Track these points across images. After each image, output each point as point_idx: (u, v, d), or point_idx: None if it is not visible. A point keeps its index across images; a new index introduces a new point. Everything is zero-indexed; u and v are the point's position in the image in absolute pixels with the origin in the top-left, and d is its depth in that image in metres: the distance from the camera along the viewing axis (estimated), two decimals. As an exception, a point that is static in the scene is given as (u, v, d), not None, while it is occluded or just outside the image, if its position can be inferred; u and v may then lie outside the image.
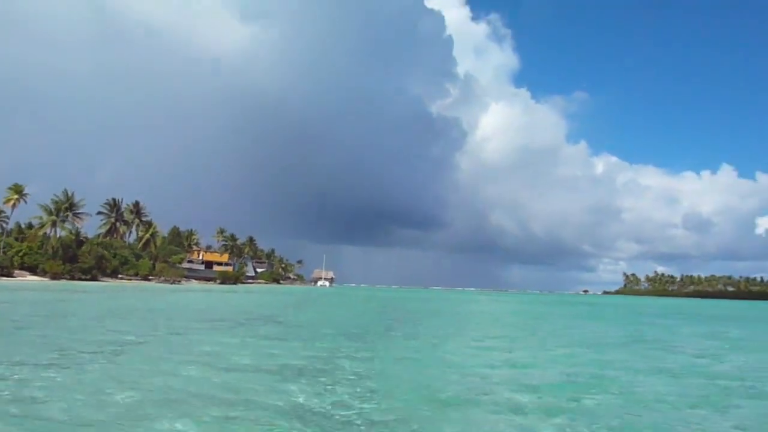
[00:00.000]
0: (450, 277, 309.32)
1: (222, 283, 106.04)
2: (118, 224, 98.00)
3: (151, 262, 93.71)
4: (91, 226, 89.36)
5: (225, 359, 11.30)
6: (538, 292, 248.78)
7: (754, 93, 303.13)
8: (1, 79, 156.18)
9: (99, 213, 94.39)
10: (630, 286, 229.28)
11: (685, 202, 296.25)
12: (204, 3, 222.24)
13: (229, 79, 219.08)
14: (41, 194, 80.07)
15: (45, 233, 77.60)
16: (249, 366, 10.62)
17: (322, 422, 6.85)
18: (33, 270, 70.87)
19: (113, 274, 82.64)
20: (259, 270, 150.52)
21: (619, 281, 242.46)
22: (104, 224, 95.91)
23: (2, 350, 11.32)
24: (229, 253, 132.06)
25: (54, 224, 76.87)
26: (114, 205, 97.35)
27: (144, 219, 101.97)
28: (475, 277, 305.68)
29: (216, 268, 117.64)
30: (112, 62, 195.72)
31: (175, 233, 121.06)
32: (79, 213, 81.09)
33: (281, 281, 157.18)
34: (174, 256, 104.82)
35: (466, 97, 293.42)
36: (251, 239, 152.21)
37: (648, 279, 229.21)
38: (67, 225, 78.66)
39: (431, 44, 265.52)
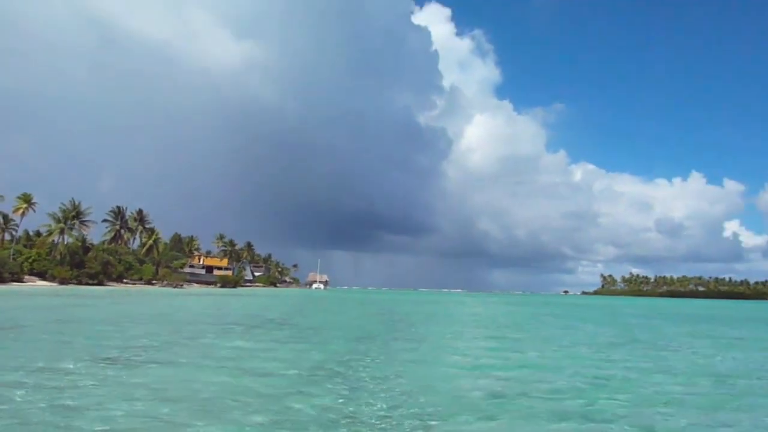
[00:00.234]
0: (437, 279, 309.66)
1: (222, 286, 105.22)
2: (122, 231, 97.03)
3: (154, 267, 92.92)
4: (96, 233, 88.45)
5: (252, 363, 10.95)
6: (521, 293, 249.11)
7: (720, 106, 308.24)
8: (5, 96, 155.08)
9: (104, 221, 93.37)
10: (607, 287, 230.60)
11: (657, 207, 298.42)
12: (201, 21, 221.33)
13: (226, 93, 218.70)
14: (46, 203, 79.16)
15: (53, 240, 76.78)
16: (278, 370, 10.27)
17: (370, 423, 6.62)
18: (42, 275, 69.83)
19: (118, 278, 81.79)
20: (256, 274, 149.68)
21: (596, 282, 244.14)
22: (109, 231, 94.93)
23: (28, 356, 10.91)
24: (229, 258, 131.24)
25: (62, 232, 75.91)
26: (119, 213, 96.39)
27: (147, 226, 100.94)
28: (461, 280, 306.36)
29: (216, 272, 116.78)
30: (113, 77, 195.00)
31: (177, 239, 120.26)
32: (85, 221, 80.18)
33: (278, 284, 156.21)
34: (176, 261, 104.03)
35: (452, 109, 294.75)
36: (249, 244, 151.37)
37: (624, 280, 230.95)
38: (74, 232, 77.76)
39: (418, 58, 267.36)
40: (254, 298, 58.09)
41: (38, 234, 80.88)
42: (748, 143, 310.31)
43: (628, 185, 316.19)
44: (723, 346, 18.29)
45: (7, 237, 77.03)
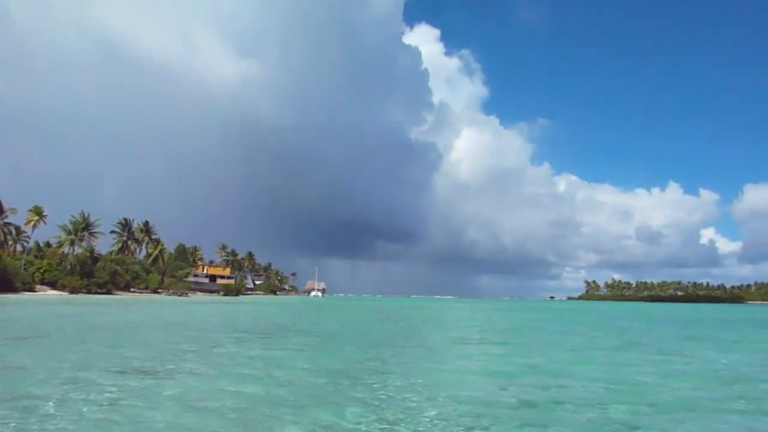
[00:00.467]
0: (429, 285, 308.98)
1: (225, 294, 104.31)
2: (129, 242, 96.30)
3: (160, 276, 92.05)
4: (104, 244, 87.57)
5: (276, 372, 10.53)
6: (509, 298, 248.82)
7: (696, 121, 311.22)
8: (15, 112, 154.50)
9: (112, 232, 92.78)
10: (591, 292, 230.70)
11: (637, 216, 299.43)
12: (203, 40, 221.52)
13: (227, 108, 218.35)
14: (55, 215, 78.37)
15: (63, 251, 76.02)
16: (303, 378, 9.90)
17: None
18: (53, 285, 68.96)
19: (126, 287, 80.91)
20: (257, 282, 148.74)
21: (580, 288, 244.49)
22: (117, 242, 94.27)
23: (54, 366, 10.48)
24: (231, 267, 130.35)
25: (72, 243, 75.19)
26: (126, 225, 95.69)
27: (153, 237, 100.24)
28: (451, 286, 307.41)
29: (219, 281, 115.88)
30: (118, 93, 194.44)
31: (181, 249, 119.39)
32: (94, 232, 79.44)
33: (277, 292, 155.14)
34: (180, 271, 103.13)
35: (442, 124, 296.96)
36: (250, 254, 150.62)
37: (607, 285, 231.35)
38: (84, 243, 77.04)
39: (409, 76, 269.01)
40: (258, 306, 57.49)
41: (48, 245, 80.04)
42: (723, 155, 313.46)
43: (609, 195, 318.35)
44: (723, 349, 18.03)
45: (19, 248, 76.22)
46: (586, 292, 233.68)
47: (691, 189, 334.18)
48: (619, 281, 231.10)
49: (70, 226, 75.55)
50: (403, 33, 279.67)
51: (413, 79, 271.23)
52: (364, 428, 6.56)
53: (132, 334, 18.58)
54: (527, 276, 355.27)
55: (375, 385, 9.26)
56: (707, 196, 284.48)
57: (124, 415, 6.85)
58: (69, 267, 72.49)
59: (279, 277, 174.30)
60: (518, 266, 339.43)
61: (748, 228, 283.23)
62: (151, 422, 6.61)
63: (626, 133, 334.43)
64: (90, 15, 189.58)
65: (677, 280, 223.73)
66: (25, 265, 68.27)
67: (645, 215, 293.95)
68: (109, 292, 73.80)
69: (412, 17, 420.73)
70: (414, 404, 7.85)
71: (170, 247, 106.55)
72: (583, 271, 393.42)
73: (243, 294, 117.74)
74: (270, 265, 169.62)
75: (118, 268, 79.65)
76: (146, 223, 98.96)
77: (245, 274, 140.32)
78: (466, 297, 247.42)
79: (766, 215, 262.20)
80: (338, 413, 7.25)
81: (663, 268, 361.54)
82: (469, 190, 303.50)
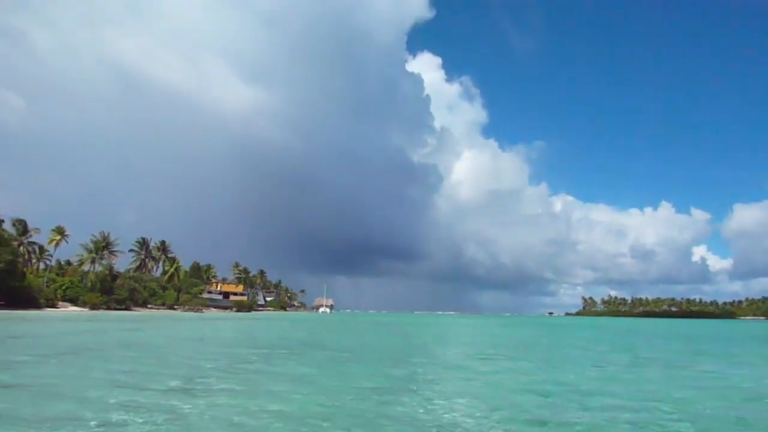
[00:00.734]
0: (431, 302, 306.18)
1: (238, 310, 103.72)
2: (147, 260, 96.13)
3: (176, 293, 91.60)
4: (122, 261, 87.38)
5: (311, 389, 10.10)
6: (509, 314, 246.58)
7: (687, 142, 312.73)
8: (40, 138, 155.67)
9: (131, 250, 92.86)
10: (588, 308, 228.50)
11: (631, 234, 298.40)
12: (215, 69, 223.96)
13: (238, 134, 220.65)
14: (76, 235, 78.36)
15: (84, 269, 75.92)
16: (340, 395, 9.44)
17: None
18: (74, 301, 68.54)
19: (143, 304, 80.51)
20: (268, 299, 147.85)
21: (577, 304, 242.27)
22: (135, 260, 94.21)
23: (97, 386, 10.16)
24: (243, 284, 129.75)
25: (93, 261, 75.06)
26: (143, 244, 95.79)
27: (169, 255, 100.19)
28: (452, 302, 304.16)
29: (232, 297, 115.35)
30: (134, 120, 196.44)
31: (196, 267, 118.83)
32: (114, 251, 79.42)
33: (287, 309, 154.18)
34: (195, 288, 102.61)
35: (442, 147, 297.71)
36: (262, 272, 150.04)
37: (603, 302, 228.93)
38: (104, 261, 76.88)
39: (412, 102, 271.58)
40: (272, 321, 56.87)
41: (68, 263, 79.87)
42: (713, 176, 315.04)
43: (603, 214, 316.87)
44: (737, 365, 17.50)
45: (42, 266, 76.04)
46: (583, 308, 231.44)
47: (682, 208, 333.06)
48: (615, 297, 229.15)
49: (92, 245, 75.57)
50: (405, 61, 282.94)
51: (416, 104, 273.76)
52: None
53: (158, 350, 18.18)
54: (525, 292, 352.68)
55: (413, 403, 8.86)
56: (698, 215, 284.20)
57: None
58: (90, 284, 72.17)
59: (288, 294, 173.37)
60: (517, 283, 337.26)
61: (738, 246, 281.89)
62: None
63: (620, 155, 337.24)
64: (109, 47, 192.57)
65: (671, 296, 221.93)
66: (47, 282, 68.02)
67: (638, 233, 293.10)
68: (127, 308, 73.37)
69: (414, 46, 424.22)
70: (463, 422, 7.47)
71: (185, 265, 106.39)
72: (579, 288, 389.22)
73: (255, 310, 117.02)
74: (280, 282, 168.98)
75: (137, 285, 79.31)
76: (163, 242, 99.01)
77: (257, 291, 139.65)
78: (467, 313, 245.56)
79: (755, 234, 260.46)
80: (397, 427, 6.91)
81: (656, 285, 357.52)
82: (469, 209, 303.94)
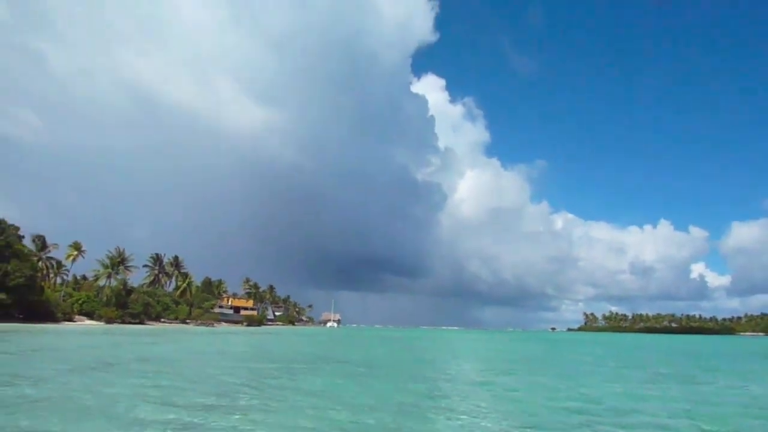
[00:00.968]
0: (435, 317, 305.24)
1: (248, 325, 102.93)
2: (160, 275, 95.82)
3: (188, 307, 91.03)
4: (136, 277, 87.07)
5: (343, 405, 9.69)
6: (512, 329, 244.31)
7: (686, 161, 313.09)
8: (58, 158, 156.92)
9: (145, 266, 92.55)
10: (590, 324, 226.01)
11: (630, 251, 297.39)
12: (227, 91, 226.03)
13: (248, 153, 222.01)
14: (91, 250, 78.32)
15: (99, 284, 75.75)
16: (373, 409, 9.12)
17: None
18: (90, 315, 68.08)
19: (157, 318, 79.99)
20: (277, 313, 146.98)
21: (578, 319, 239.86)
22: (149, 275, 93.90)
23: (121, 403, 9.80)
24: (253, 299, 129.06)
25: (109, 276, 74.90)
26: (157, 259, 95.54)
27: (182, 271, 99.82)
28: (456, 317, 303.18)
29: (243, 312, 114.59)
30: (149, 140, 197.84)
31: (207, 282, 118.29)
32: (129, 266, 79.24)
33: (295, 323, 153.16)
34: (207, 302, 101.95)
35: (446, 166, 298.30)
36: (271, 287, 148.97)
37: (605, 317, 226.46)
38: (119, 276, 76.68)
39: (416, 123, 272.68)
40: (284, 336, 56.25)
41: (84, 278, 79.60)
42: (711, 194, 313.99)
43: (603, 232, 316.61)
44: (756, 380, 16.97)
45: (59, 281, 75.88)
46: (585, 323, 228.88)
47: (681, 226, 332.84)
48: (616, 313, 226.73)
49: (107, 261, 75.53)
50: (410, 83, 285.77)
51: (420, 124, 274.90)
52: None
53: (177, 364, 17.79)
54: (527, 308, 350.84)
55: (449, 420, 8.47)
56: (697, 232, 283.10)
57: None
58: (105, 298, 71.87)
59: (297, 309, 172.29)
60: (519, 299, 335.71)
61: (736, 263, 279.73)
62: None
63: (619, 174, 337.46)
64: (124, 68, 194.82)
65: (670, 312, 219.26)
66: (64, 296, 67.75)
67: (638, 251, 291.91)
68: (141, 323, 72.90)
69: (419, 68, 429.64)
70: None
71: (197, 280, 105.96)
72: (581, 304, 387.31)
73: (264, 324, 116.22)
74: (288, 297, 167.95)
75: (150, 299, 78.87)
76: (176, 258, 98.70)
77: (266, 306, 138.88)
78: (471, 328, 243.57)
79: (753, 251, 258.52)
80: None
81: (656, 301, 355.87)
82: (471, 227, 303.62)
